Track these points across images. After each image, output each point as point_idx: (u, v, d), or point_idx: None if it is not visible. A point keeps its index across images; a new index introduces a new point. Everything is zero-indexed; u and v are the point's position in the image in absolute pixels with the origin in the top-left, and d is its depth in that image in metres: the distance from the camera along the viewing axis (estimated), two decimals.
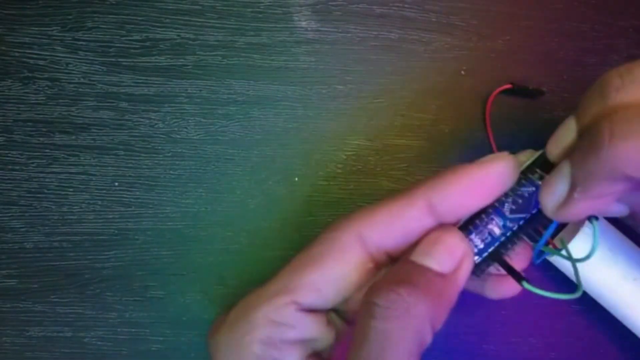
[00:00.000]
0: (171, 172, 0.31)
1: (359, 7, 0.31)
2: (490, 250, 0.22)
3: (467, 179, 0.21)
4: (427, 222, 0.21)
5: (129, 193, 0.31)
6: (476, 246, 0.22)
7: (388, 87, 0.31)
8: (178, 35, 0.31)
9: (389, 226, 0.21)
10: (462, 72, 0.32)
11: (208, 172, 0.31)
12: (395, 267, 0.21)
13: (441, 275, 0.21)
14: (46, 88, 0.31)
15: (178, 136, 0.31)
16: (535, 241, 0.23)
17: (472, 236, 0.22)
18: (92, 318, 0.31)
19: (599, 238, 0.29)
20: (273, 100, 0.31)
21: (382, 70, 0.31)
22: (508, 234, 0.22)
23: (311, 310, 0.22)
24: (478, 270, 0.22)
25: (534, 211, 0.22)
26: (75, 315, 0.31)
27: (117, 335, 0.31)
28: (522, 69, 0.32)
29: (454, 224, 0.22)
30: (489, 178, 0.21)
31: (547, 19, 0.32)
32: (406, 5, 0.31)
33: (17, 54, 0.30)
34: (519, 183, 0.22)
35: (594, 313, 0.32)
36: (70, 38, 0.30)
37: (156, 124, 0.31)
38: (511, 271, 0.22)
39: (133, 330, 0.32)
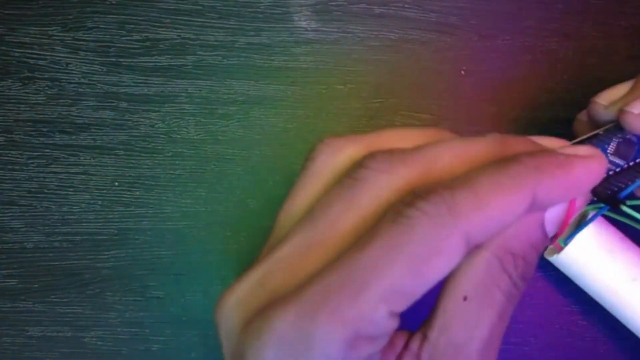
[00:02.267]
0: (171, 172, 0.31)
1: (359, 7, 0.31)
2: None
3: (572, 175, 0.19)
4: (523, 212, 0.19)
5: (129, 193, 0.31)
6: None
7: (388, 87, 0.31)
8: (178, 35, 0.31)
9: (496, 223, 0.19)
10: (462, 72, 0.32)
11: (208, 172, 0.31)
12: (532, 235, 0.20)
13: (547, 241, 0.21)
14: (46, 88, 0.31)
15: (178, 136, 0.31)
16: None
17: None
18: (92, 318, 0.31)
19: (599, 238, 0.29)
20: (273, 100, 0.31)
21: (382, 70, 0.31)
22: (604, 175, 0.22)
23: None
24: None
25: (631, 163, 0.22)
26: (75, 315, 0.31)
27: (117, 335, 0.31)
28: (522, 69, 0.32)
29: None
30: (589, 176, 0.20)
31: (547, 19, 0.32)
32: (406, 5, 0.31)
33: (17, 54, 0.30)
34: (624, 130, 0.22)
35: (594, 313, 0.32)
36: (70, 38, 0.30)
37: (156, 123, 0.31)
38: (602, 197, 0.22)
39: (133, 330, 0.31)
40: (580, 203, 0.21)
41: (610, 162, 0.23)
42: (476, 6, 0.32)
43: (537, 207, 0.19)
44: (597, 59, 0.32)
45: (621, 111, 0.24)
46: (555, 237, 0.21)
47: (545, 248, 0.22)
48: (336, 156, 0.21)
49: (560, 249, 0.29)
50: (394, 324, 0.18)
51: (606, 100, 0.26)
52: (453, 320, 0.20)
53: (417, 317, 0.20)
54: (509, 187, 0.18)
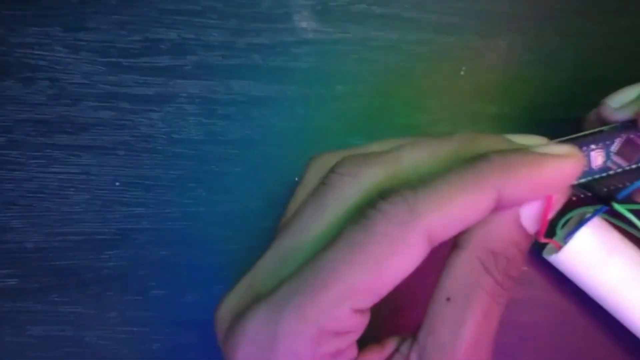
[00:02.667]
0: (171, 172, 0.31)
1: (359, 7, 0.31)
2: (582, 180, 0.22)
3: (538, 175, 0.19)
4: (488, 210, 0.19)
5: (129, 193, 0.31)
6: None
7: (388, 87, 0.31)
8: (178, 36, 0.31)
9: (458, 221, 0.19)
10: (462, 72, 0.32)
11: (208, 172, 0.31)
12: (511, 233, 0.20)
13: (530, 238, 0.21)
14: (47, 88, 0.31)
15: (178, 136, 0.31)
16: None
17: None
18: (92, 317, 0.31)
19: (599, 238, 0.29)
20: (273, 100, 0.31)
21: (382, 70, 0.31)
22: (603, 174, 0.22)
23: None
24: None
25: (633, 165, 0.22)
26: (75, 315, 0.31)
27: (117, 334, 0.31)
28: (522, 69, 0.32)
29: None
30: (559, 176, 0.20)
31: (547, 18, 0.32)
32: (406, 6, 0.31)
33: (18, 54, 0.30)
34: (631, 128, 0.22)
35: (594, 313, 0.32)
36: (71, 38, 0.31)
37: (156, 124, 0.31)
38: (599, 195, 0.22)
39: (133, 329, 0.32)
40: (558, 200, 0.21)
41: (613, 161, 0.23)
42: (476, 6, 0.32)
43: (506, 204, 0.19)
44: (597, 59, 0.32)
45: (638, 114, 0.24)
46: (539, 234, 0.21)
47: (532, 245, 0.22)
48: (326, 170, 0.21)
49: (559, 248, 0.29)
50: (361, 320, 0.19)
51: (617, 102, 0.26)
52: (438, 321, 0.20)
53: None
54: (471, 184, 0.19)
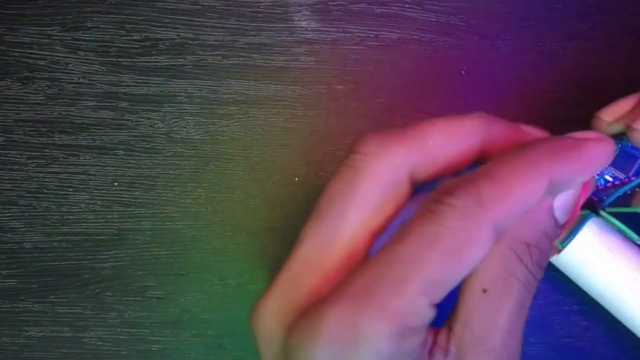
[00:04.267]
0: (171, 172, 0.31)
1: (358, 7, 0.31)
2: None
3: (585, 155, 0.21)
4: (541, 196, 0.20)
5: (128, 193, 0.31)
6: None
7: (388, 87, 0.31)
8: (178, 35, 0.31)
9: (519, 209, 0.19)
10: (462, 72, 0.32)
11: (208, 172, 0.31)
12: (542, 221, 0.21)
13: (559, 229, 0.22)
14: (46, 88, 0.31)
15: (178, 136, 0.31)
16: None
17: None
18: (91, 318, 0.31)
19: (599, 238, 0.29)
20: (273, 100, 0.31)
21: (382, 70, 0.31)
22: (599, 186, 0.23)
23: None
24: None
25: (632, 177, 0.22)
26: (74, 316, 0.31)
27: (117, 335, 0.31)
28: (522, 69, 0.32)
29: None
30: (600, 156, 0.21)
31: (547, 19, 0.32)
32: (406, 5, 0.31)
33: (16, 54, 0.30)
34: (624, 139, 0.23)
35: (594, 313, 0.32)
36: (70, 38, 0.30)
37: (156, 123, 0.31)
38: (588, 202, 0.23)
39: (132, 330, 0.31)
40: (589, 187, 0.22)
41: (608, 172, 0.23)
42: (476, 6, 0.31)
43: (552, 190, 0.20)
44: (597, 59, 0.32)
45: (629, 128, 0.24)
46: (565, 224, 0.21)
47: (558, 235, 0.23)
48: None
49: (558, 252, 0.29)
50: (432, 314, 0.19)
51: (610, 116, 0.26)
52: (475, 313, 0.20)
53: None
54: (527, 172, 0.19)
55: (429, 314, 0.19)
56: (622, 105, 0.26)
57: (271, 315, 0.21)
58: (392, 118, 0.32)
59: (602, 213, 0.23)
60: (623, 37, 0.32)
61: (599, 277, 0.29)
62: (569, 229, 0.29)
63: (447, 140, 0.21)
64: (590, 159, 0.21)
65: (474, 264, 0.19)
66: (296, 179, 0.31)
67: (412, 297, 0.18)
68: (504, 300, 0.20)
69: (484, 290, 0.20)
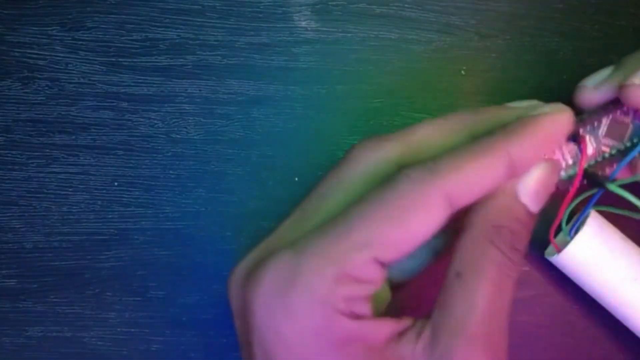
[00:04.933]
0: (171, 172, 0.31)
1: (358, 6, 0.31)
2: (577, 169, 0.23)
3: (540, 130, 0.22)
4: (502, 176, 0.21)
5: (128, 193, 0.31)
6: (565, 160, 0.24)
7: (388, 87, 0.31)
8: (178, 35, 0.31)
9: (474, 185, 0.21)
10: (463, 72, 0.32)
11: (208, 172, 0.31)
12: (510, 207, 0.22)
13: (532, 215, 0.22)
14: (46, 88, 0.31)
15: (178, 136, 0.31)
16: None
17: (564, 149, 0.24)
18: (91, 318, 0.31)
19: (600, 238, 0.29)
20: (273, 100, 0.31)
21: (382, 70, 0.31)
22: (599, 159, 0.23)
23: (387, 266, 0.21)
24: (562, 184, 0.24)
25: (628, 143, 0.23)
26: (74, 315, 0.31)
27: (117, 335, 0.31)
28: (522, 69, 0.32)
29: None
30: (558, 130, 0.22)
31: (547, 18, 0.32)
32: (406, 5, 0.31)
33: (16, 54, 0.30)
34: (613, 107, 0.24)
35: (594, 313, 0.32)
36: (70, 38, 0.30)
37: (156, 123, 0.31)
38: (592, 177, 0.23)
39: (133, 330, 0.31)
40: (574, 184, 0.24)
41: (604, 144, 0.24)
42: (476, 6, 0.31)
43: (516, 168, 0.21)
44: (597, 59, 0.32)
45: (622, 86, 0.24)
46: (555, 226, 0.22)
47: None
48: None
49: (559, 251, 0.29)
50: (380, 273, 0.20)
51: (594, 81, 0.26)
52: (449, 297, 0.21)
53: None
54: (483, 150, 0.21)
55: (374, 269, 0.20)
56: (603, 72, 0.26)
57: (240, 271, 0.22)
58: (392, 118, 0.32)
59: (610, 186, 0.23)
60: (623, 37, 0.32)
61: (599, 277, 0.29)
62: (573, 224, 0.29)
63: (432, 133, 0.22)
64: (543, 133, 0.22)
65: (423, 230, 0.20)
66: (296, 179, 0.31)
67: (353, 246, 0.20)
68: (478, 282, 0.21)
69: (458, 274, 0.21)
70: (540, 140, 0.22)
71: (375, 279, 0.20)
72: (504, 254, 0.21)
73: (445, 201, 0.20)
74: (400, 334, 0.21)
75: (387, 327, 0.21)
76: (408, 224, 0.20)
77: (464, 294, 0.21)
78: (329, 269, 0.19)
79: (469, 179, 0.20)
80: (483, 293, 0.20)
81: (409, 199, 0.20)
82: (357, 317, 0.20)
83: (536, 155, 0.22)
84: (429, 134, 0.22)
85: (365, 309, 0.20)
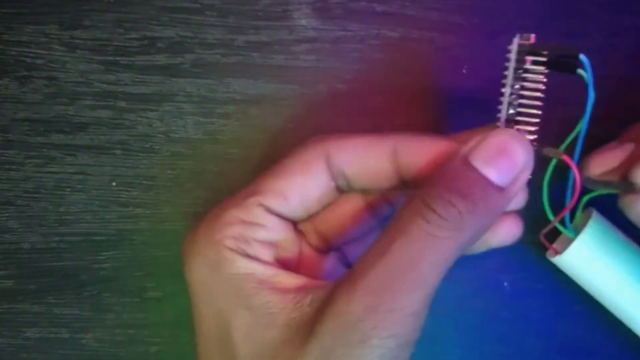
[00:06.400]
0: (169, 171, 0.31)
1: (359, 5, 0.31)
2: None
3: (430, 148, 0.24)
4: (386, 165, 0.24)
5: (126, 193, 0.31)
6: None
7: (388, 87, 0.31)
8: (176, 34, 0.31)
9: (354, 155, 0.24)
10: (464, 71, 0.32)
11: (207, 172, 0.31)
12: (452, 167, 0.22)
13: (499, 189, 0.21)
14: (43, 87, 0.30)
15: (176, 135, 0.31)
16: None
17: None
18: (89, 319, 0.31)
19: (601, 238, 0.28)
20: (273, 100, 0.31)
21: (383, 70, 0.31)
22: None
23: (279, 215, 0.24)
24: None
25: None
26: (72, 317, 0.31)
27: (115, 336, 0.31)
28: None
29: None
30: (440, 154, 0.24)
31: (548, 18, 0.32)
32: (407, 4, 0.31)
33: (14, 53, 0.30)
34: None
35: (594, 313, 0.32)
36: (67, 36, 0.30)
37: (154, 123, 0.31)
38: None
39: (131, 331, 0.31)
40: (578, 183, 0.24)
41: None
42: (477, 5, 0.31)
43: (402, 166, 0.24)
44: (597, 59, 0.32)
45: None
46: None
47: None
48: None
49: (556, 254, 0.29)
50: (268, 218, 0.24)
51: (599, 168, 0.27)
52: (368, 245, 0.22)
53: None
54: (371, 136, 0.25)
55: (263, 216, 0.24)
56: (610, 156, 0.27)
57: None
58: (392, 117, 0.31)
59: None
60: (623, 36, 0.32)
61: (600, 277, 0.29)
62: (578, 222, 0.29)
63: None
64: (433, 152, 0.24)
65: (302, 180, 0.24)
66: None
67: (244, 196, 0.24)
68: (388, 235, 0.21)
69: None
70: (426, 155, 0.24)
71: (265, 223, 0.24)
72: (431, 210, 0.20)
73: (324, 160, 0.24)
74: (307, 291, 0.22)
75: (290, 278, 0.23)
76: (288, 176, 0.24)
77: (371, 246, 0.21)
78: (224, 214, 0.24)
79: (349, 150, 0.24)
80: (385, 242, 0.21)
81: (293, 159, 0.25)
82: (248, 256, 0.23)
83: (419, 165, 0.24)
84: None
85: (260, 252, 0.23)
